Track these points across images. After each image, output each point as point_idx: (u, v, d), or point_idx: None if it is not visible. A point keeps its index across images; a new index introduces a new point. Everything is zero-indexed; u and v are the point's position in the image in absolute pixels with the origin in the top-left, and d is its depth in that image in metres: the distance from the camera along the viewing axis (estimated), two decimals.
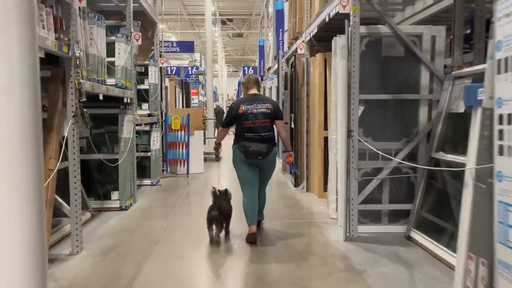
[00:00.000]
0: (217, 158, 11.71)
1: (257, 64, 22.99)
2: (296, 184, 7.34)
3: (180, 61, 28.67)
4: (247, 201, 4.45)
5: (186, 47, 17.40)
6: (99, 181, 5.94)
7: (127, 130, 5.93)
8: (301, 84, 7.43)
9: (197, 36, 29.14)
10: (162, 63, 8.49)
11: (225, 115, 4.90)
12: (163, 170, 8.75)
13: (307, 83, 6.97)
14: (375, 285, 3.31)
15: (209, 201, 4.56)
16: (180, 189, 7.48)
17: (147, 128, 7.93)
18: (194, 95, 22.91)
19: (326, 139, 6.40)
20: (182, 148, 8.77)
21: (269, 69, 13.68)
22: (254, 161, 4.34)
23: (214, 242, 4.33)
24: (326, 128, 6.39)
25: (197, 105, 21.79)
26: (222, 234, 4.51)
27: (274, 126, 4.53)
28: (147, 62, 8.06)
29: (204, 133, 14.86)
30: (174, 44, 17.35)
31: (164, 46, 16.75)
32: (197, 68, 22.47)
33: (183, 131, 8.76)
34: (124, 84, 5.76)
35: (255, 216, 4.46)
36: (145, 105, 8.05)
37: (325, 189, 6.48)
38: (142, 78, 8.09)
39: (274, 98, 11.29)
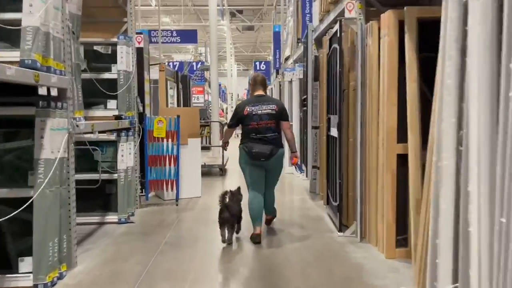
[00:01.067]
0: (222, 172, 9.08)
1: (270, 57, 20.34)
2: (341, 227, 4.64)
3: (185, 56, 26.16)
4: (252, 203, 4.39)
5: (188, 36, 14.80)
6: None
7: (52, 145, 3.30)
8: (348, 68, 4.73)
9: (203, 30, 26.47)
10: (140, 42, 5.87)
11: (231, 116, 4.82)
12: (141, 196, 6.10)
13: (362, 66, 4.27)
14: None
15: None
16: (161, 232, 4.82)
17: (113, 137, 5.29)
18: (199, 94, 20.34)
19: (402, 157, 3.72)
20: (169, 164, 6.11)
21: (287, 59, 11.00)
22: (257, 162, 4.34)
23: (225, 242, 4.21)
24: (402, 139, 3.71)
25: (202, 105, 19.22)
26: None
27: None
28: (115, 39, 5.45)
29: (207, 139, 12.25)
30: (174, 33, 14.76)
31: (162, 36, 14.22)
32: (202, 63, 19.91)
33: (170, 140, 6.10)
34: (40, 61, 3.13)
35: (260, 218, 4.43)
36: (113, 103, 5.44)
37: (399, 243, 3.80)
38: (109, 66, 5.50)
39: (295, 93, 8.64)
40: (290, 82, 9.09)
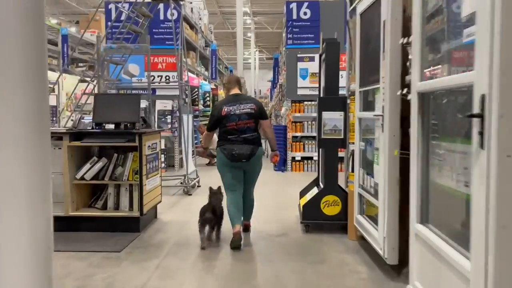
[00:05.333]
0: None
1: None
2: None
3: None
4: (231, 203, 4.23)
5: None
6: None
7: None
8: None
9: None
10: None
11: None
12: None
13: None
14: None
15: None
16: None
17: None
18: (168, 69, 9.87)
19: None
20: None
21: None
22: (238, 164, 4.16)
23: (205, 246, 3.96)
24: None
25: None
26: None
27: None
28: None
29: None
30: None
31: None
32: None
33: None
34: None
35: (240, 216, 4.24)
36: None
37: None
38: None
39: None
40: None
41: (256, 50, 31.99)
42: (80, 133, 4.45)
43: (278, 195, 6.49)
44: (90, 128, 4.65)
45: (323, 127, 4.24)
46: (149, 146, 4.55)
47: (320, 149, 4.86)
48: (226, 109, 4.15)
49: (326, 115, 4.23)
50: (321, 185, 4.93)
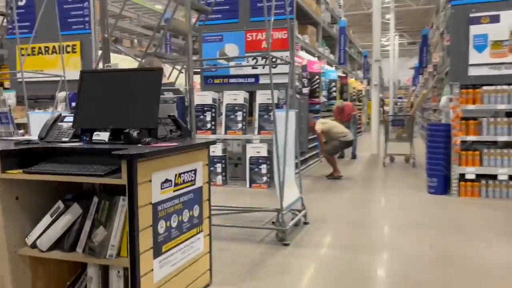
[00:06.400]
0: None
1: None
2: None
3: None
4: None
5: None
6: None
7: None
8: None
9: None
10: None
11: None
12: None
13: None
14: None
15: None
16: None
17: None
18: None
19: None
20: None
21: None
22: None
23: None
24: None
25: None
26: None
27: None
28: None
29: None
30: None
31: None
32: None
33: None
34: None
35: None
36: None
37: None
38: None
39: None
40: None
41: (396, 35, 27.61)
42: (34, 152, 2.15)
43: (446, 257, 3.44)
44: (67, 138, 2.34)
45: None
46: (165, 180, 2.04)
47: None
48: None
49: None
50: None
